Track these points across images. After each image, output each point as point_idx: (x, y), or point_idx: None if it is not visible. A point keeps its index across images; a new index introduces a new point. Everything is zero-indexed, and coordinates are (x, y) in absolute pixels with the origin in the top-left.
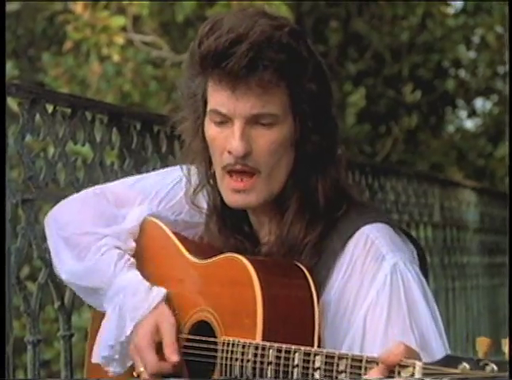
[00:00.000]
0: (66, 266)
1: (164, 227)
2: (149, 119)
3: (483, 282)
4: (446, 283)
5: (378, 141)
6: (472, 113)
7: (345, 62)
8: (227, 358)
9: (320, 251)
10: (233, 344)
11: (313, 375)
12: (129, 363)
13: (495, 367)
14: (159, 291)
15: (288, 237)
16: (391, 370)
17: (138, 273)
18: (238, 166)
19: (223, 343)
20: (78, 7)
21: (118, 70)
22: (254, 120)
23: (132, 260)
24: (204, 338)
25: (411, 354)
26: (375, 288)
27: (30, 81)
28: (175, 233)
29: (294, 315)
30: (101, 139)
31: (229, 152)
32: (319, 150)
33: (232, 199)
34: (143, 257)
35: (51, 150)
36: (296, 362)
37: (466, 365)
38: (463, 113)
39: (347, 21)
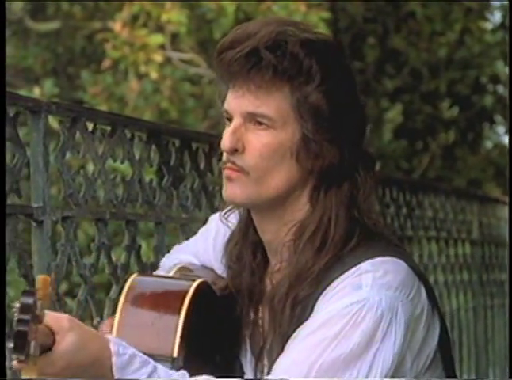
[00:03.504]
0: None
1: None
2: (187, 137)
3: None
4: (485, 300)
5: (415, 157)
6: (511, 129)
7: (382, 79)
8: None
9: (322, 281)
10: None
11: None
12: None
13: None
14: None
15: (297, 264)
16: None
17: None
18: (228, 164)
19: None
20: (116, 25)
21: (156, 88)
22: (250, 119)
23: None
24: None
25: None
26: (331, 308)
27: (69, 99)
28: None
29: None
30: (140, 156)
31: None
32: (328, 168)
33: (225, 188)
34: None
35: (90, 168)
36: None
37: None
38: (501, 129)
39: (384, 38)
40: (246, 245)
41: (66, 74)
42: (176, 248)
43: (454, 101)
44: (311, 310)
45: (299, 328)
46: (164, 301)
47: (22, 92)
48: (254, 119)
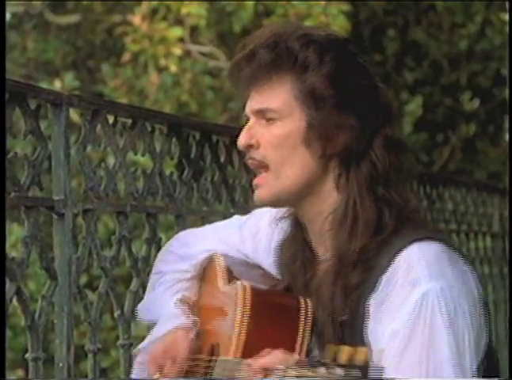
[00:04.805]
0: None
1: (218, 261)
2: (208, 129)
3: None
4: (505, 293)
5: (435, 150)
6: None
7: (402, 71)
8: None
9: (373, 267)
10: (215, 361)
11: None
12: None
13: (341, 371)
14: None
15: (336, 251)
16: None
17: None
18: (249, 160)
19: (212, 360)
20: (136, 19)
21: (176, 81)
22: (262, 116)
23: (179, 286)
24: (205, 358)
25: (285, 359)
26: (402, 313)
27: (90, 92)
28: (225, 266)
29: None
30: (160, 149)
31: None
32: (343, 152)
33: (254, 194)
34: (200, 289)
35: (111, 161)
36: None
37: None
38: None
39: (405, 30)
40: (298, 243)
41: (86, 67)
42: (194, 233)
43: (475, 94)
44: (367, 299)
45: (376, 352)
46: (281, 318)
47: (43, 85)
48: (264, 115)
